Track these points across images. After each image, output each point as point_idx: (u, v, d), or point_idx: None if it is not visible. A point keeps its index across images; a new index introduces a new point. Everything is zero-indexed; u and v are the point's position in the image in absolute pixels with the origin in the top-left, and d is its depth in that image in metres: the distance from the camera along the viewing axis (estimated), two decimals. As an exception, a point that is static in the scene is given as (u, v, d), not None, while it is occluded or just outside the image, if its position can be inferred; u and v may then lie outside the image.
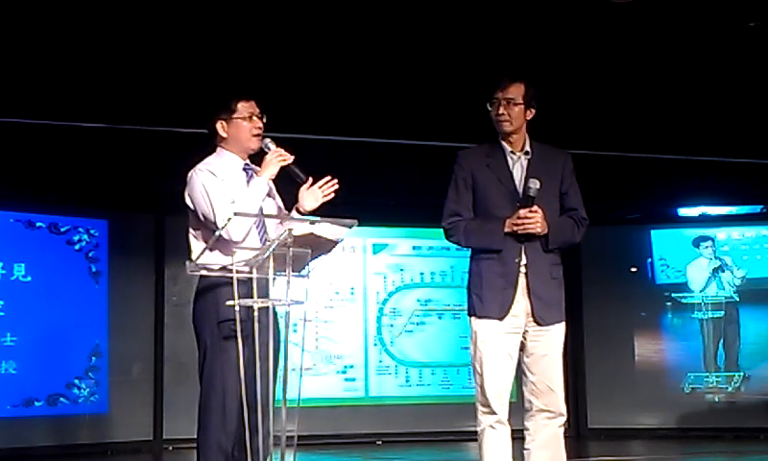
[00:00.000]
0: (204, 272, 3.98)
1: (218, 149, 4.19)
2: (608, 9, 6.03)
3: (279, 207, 4.27)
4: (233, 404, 3.93)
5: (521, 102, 4.15)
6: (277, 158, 4.07)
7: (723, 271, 9.48)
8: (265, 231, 4.10)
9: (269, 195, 4.20)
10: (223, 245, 3.92)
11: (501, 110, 4.14)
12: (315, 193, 4.16)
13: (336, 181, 4.16)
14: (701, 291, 9.49)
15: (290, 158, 4.10)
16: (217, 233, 3.86)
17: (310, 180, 4.15)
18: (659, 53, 6.82)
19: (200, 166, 4.11)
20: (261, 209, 4.09)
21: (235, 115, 4.13)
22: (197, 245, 4.10)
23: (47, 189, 8.08)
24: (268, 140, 4.14)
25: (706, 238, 9.54)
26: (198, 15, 6.08)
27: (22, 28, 6.12)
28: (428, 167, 6.57)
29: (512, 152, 4.19)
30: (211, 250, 3.93)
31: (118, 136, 7.62)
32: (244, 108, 4.15)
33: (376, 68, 6.94)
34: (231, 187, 4.05)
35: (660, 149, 8.52)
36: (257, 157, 4.19)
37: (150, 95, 7.18)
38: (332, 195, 4.16)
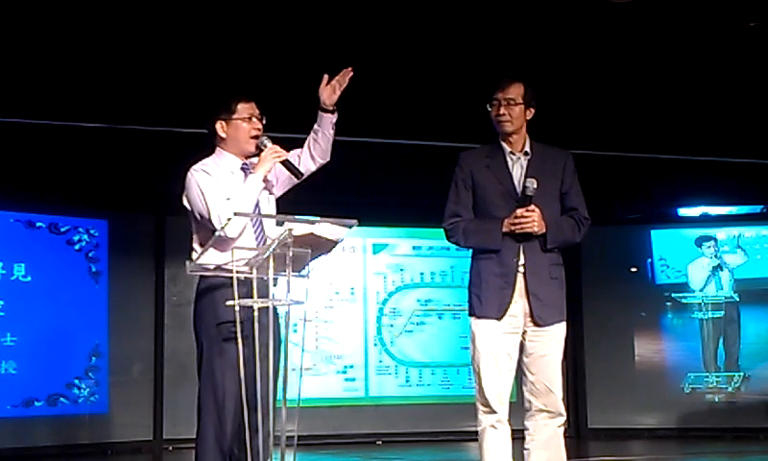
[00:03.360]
0: (201, 272, 3.98)
1: (217, 149, 4.21)
2: (608, 9, 6.04)
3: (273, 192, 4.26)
4: (231, 405, 3.94)
5: (521, 102, 4.15)
6: (272, 155, 4.09)
7: (722, 269, 9.48)
8: (262, 230, 4.10)
9: (269, 192, 4.20)
10: (219, 243, 3.92)
11: (502, 111, 4.14)
12: (332, 86, 4.16)
13: (350, 68, 4.15)
14: (701, 290, 9.49)
15: (285, 155, 4.11)
16: (217, 234, 3.87)
17: (326, 77, 4.16)
18: (659, 53, 6.82)
19: (195, 166, 4.12)
20: (258, 207, 4.10)
21: (235, 116, 4.15)
22: (196, 246, 4.11)
23: (47, 189, 8.07)
24: (264, 138, 4.15)
25: (708, 238, 9.54)
26: (198, 15, 6.08)
27: (22, 28, 6.12)
28: (428, 167, 6.59)
29: (511, 152, 4.19)
30: (207, 249, 3.94)
31: (118, 136, 7.63)
32: (244, 109, 4.16)
33: (376, 68, 6.93)
34: (227, 186, 4.05)
35: (660, 149, 8.52)
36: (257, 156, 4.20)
37: (150, 95, 7.18)
38: (347, 81, 4.14)
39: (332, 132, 4.21)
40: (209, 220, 3.97)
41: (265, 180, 4.11)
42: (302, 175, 4.18)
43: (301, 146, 4.25)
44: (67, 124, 7.44)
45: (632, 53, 6.82)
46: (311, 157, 4.24)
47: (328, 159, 4.26)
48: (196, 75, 6.84)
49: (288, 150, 4.15)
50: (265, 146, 4.12)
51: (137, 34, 6.31)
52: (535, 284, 4.08)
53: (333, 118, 4.19)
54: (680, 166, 8.73)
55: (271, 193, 4.25)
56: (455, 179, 4.22)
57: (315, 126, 4.23)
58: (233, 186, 4.07)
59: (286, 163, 4.13)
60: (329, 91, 4.16)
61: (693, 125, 8.00)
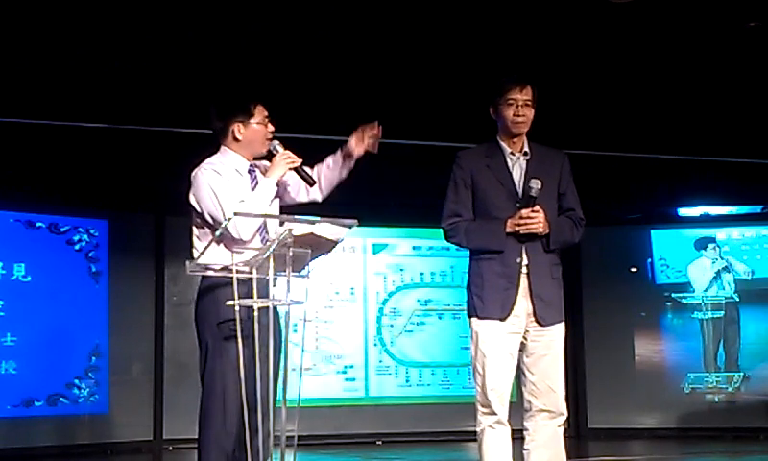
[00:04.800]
0: (206, 272, 3.98)
1: (222, 148, 4.20)
2: (608, 9, 6.03)
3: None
4: (233, 405, 3.93)
5: (533, 103, 4.16)
6: (286, 161, 4.09)
7: (728, 271, 9.48)
8: (266, 233, 4.10)
9: (276, 196, 4.21)
10: (227, 245, 3.93)
11: (522, 111, 4.13)
12: (363, 142, 4.19)
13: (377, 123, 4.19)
14: (704, 291, 9.49)
15: (298, 161, 4.12)
16: (218, 233, 3.87)
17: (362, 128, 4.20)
18: (659, 53, 6.81)
19: (204, 166, 4.11)
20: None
21: (253, 120, 4.15)
22: (200, 245, 4.10)
23: (47, 189, 8.07)
24: (276, 142, 4.16)
25: (710, 240, 9.54)
26: (199, 15, 6.08)
27: (22, 28, 6.12)
28: (428, 167, 6.57)
29: (511, 153, 4.19)
30: (216, 247, 3.95)
31: (118, 136, 7.62)
32: (260, 112, 4.17)
33: (377, 68, 6.94)
34: (235, 186, 4.05)
35: (660, 149, 8.52)
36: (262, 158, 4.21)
37: (150, 95, 7.18)
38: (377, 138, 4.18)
39: (344, 174, 4.26)
40: (221, 222, 3.97)
41: (254, 179, 4.12)
42: (314, 183, 4.19)
43: (301, 146, 4.24)
44: (67, 124, 7.43)
45: (632, 53, 6.82)
46: (318, 187, 4.26)
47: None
48: (196, 75, 6.84)
49: (292, 151, 4.16)
50: (277, 151, 4.13)
51: (137, 34, 6.30)
52: (538, 285, 4.08)
53: (351, 165, 4.24)
54: (680, 166, 8.73)
55: (276, 197, 4.25)
56: (454, 178, 4.21)
57: (331, 162, 4.25)
58: (240, 186, 4.07)
59: (298, 170, 4.13)
60: (361, 145, 4.19)
61: (693, 125, 7.99)
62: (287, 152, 4.12)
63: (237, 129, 4.16)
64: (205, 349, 4.06)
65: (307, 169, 4.20)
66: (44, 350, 7.96)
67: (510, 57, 6.43)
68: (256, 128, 4.15)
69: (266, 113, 4.18)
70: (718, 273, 9.49)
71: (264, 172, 4.18)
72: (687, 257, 9.57)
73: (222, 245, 3.94)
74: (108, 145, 7.68)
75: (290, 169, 4.12)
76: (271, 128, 4.17)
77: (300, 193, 4.29)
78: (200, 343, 4.10)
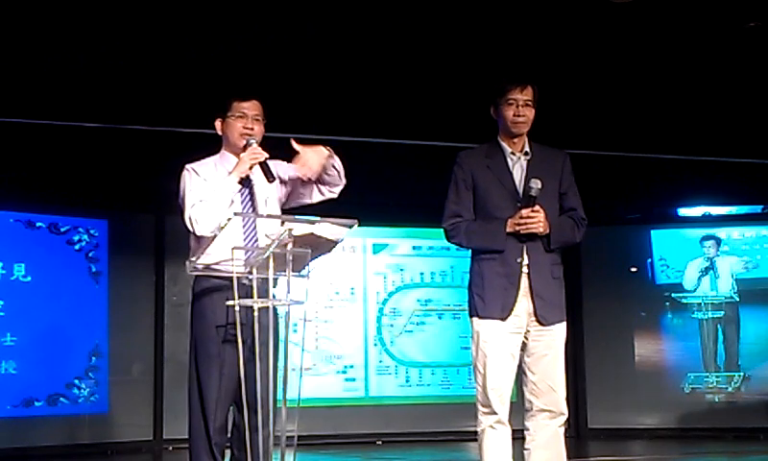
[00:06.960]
0: (197, 272, 4.02)
1: (221, 150, 4.23)
2: (608, 9, 6.04)
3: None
4: (213, 405, 3.98)
5: (534, 103, 4.16)
6: (249, 157, 4.07)
7: (714, 270, 9.46)
8: (254, 230, 4.08)
9: (251, 193, 4.17)
10: (205, 243, 3.95)
11: (522, 112, 4.13)
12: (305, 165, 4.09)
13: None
14: (693, 290, 9.48)
15: (262, 157, 4.09)
16: (216, 236, 3.88)
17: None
18: (659, 53, 6.82)
19: (188, 165, 4.18)
20: (255, 208, 4.12)
21: (229, 114, 4.16)
22: (193, 244, 4.15)
23: (47, 189, 8.07)
24: (252, 139, 4.13)
25: (710, 237, 9.53)
26: (198, 15, 6.08)
27: (22, 28, 6.12)
28: (428, 167, 6.58)
29: (512, 153, 4.19)
30: (198, 246, 3.98)
31: (118, 136, 7.63)
32: (238, 107, 4.16)
33: (377, 68, 6.94)
34: (215, 187, 4.07)
35: (660, 149, 8.52)
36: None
37: (150, 95, 7.19)
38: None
39: (332, 172, 4.16)
40: (183, 220, 4.02)
41: (247, 179, 4.09)
42: (273, 179, 4.13)
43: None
44: (67, 124, 7.44)
45: (632, 53, 6.82)
46: (319, 191, 4.22)
47: (343, 182, 4.22)
48: (196, 75, 6.84)
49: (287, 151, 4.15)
50: (250, 145, 4.11)
51: (138, 34, 6.31)
52: (539, 284, 4.08)
53: (328, 169, 4.14)
54: (680, 166, 8.73)
55: (283, 185, 4.24)
56: (455, 178, 4.21)
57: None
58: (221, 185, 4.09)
59: (262, 165, 4.10)
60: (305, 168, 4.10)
61: (693, 125, 8.00)
62: (257, 148, 4.09)
63: (219, 125, 4.20)
64: (194, 346, 4.11)
65: (272, 164, 4.16)
66: (44, 350, 7.95)
67: (510, 57, 6.44)
68: (231, 122, 4.15)
69: (251, 110, 4.15)
70: (705, 271, 9.48)
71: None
72: (687, 257, 9.56)
73: (200, 243, 3.96)
74: (108, 145, 7.68)
75: (254, 165, 4.07)
76: (249, 123, 4.12)
77: (315, 194, 4.25)
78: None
